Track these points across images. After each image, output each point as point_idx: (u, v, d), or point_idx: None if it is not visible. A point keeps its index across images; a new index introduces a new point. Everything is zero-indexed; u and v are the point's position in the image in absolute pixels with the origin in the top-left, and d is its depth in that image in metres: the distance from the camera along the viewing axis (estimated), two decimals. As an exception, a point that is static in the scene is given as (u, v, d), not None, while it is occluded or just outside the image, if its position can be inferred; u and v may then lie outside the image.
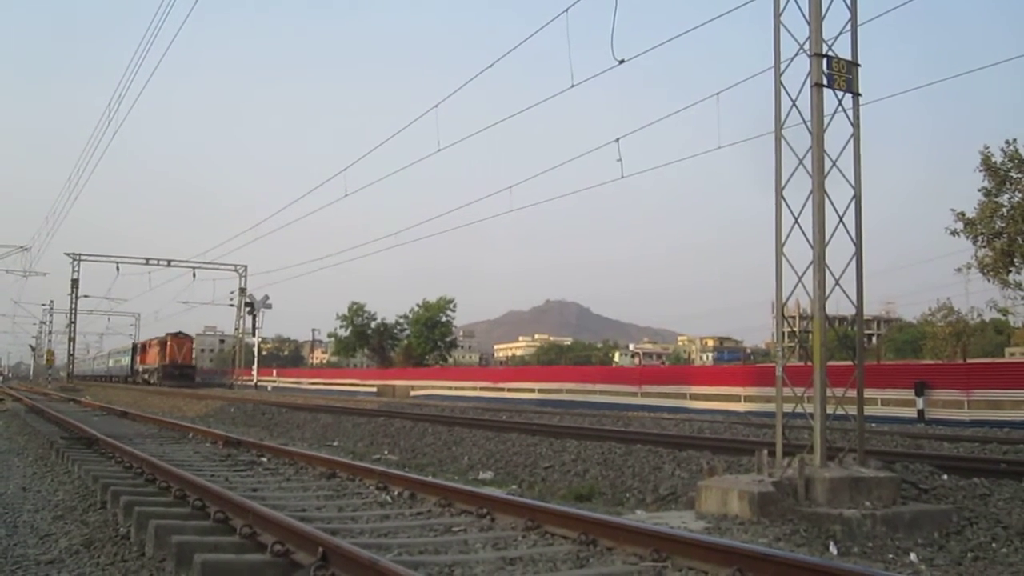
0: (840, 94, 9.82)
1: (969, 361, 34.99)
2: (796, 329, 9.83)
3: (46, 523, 8.44)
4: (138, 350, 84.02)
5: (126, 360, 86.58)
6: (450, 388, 51.56)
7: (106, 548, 7.13)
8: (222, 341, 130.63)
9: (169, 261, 68.01)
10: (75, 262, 69.46)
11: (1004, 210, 30.01)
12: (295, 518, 7.36)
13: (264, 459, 13.53)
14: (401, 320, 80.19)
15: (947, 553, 7.76)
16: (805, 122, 9.70)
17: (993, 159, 32.22)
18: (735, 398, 33.35)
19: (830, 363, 9.61)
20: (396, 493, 9.74)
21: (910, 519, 8.45)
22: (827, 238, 9.55)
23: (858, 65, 9.89)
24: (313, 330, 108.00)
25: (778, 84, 9.81)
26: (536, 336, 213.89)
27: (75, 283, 70.41)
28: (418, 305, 79.39)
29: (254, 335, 70.08)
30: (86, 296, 75.50)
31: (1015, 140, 33.29)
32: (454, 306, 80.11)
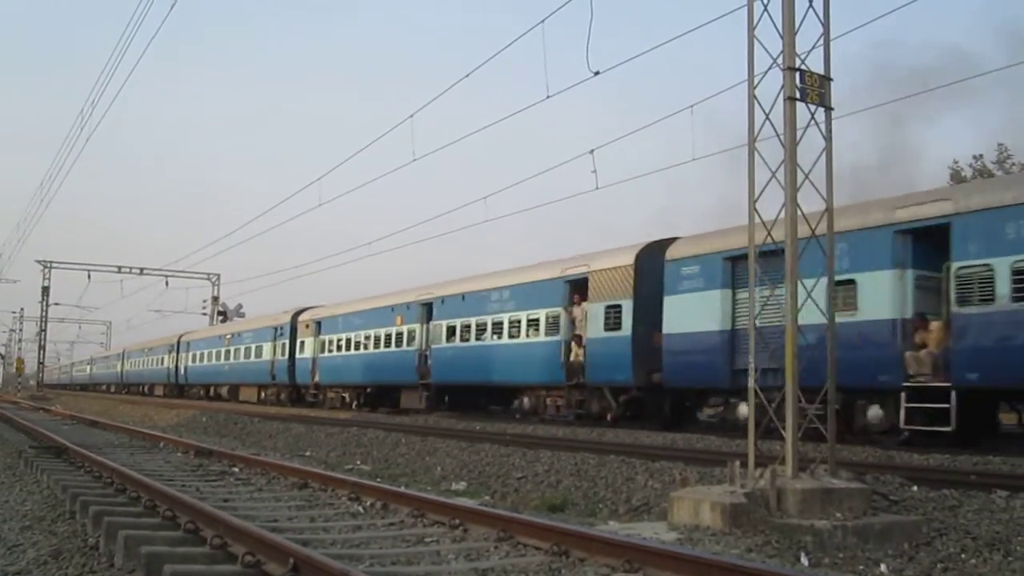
0: (813, 108, 9.91)
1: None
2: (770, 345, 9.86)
3: (14, 533, 8.33)
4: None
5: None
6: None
7: (75, 559, 7.06)
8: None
9: (142, 269, 67.46)
10: (46, 269, 68.74)
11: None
12: (266, 529, 7.33)
13: (236, 469, 13.44)
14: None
15: (917, 564, 7.82)
16: (778, 135, 9.78)
17: (963, 174, 32.63)
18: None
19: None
20: (368, 504, 9.71)
21: (880, 530, 8.51)
22: (800, 251, 9.62)
23: (830, 79, 9.99)
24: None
25: (752, 97, 9.88)
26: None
27: (46, 291, 69.67)
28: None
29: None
30: (57, 304, 74.65)
31: (982, 156, 33.74)
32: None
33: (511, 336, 24.94)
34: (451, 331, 27.87)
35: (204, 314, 71.89)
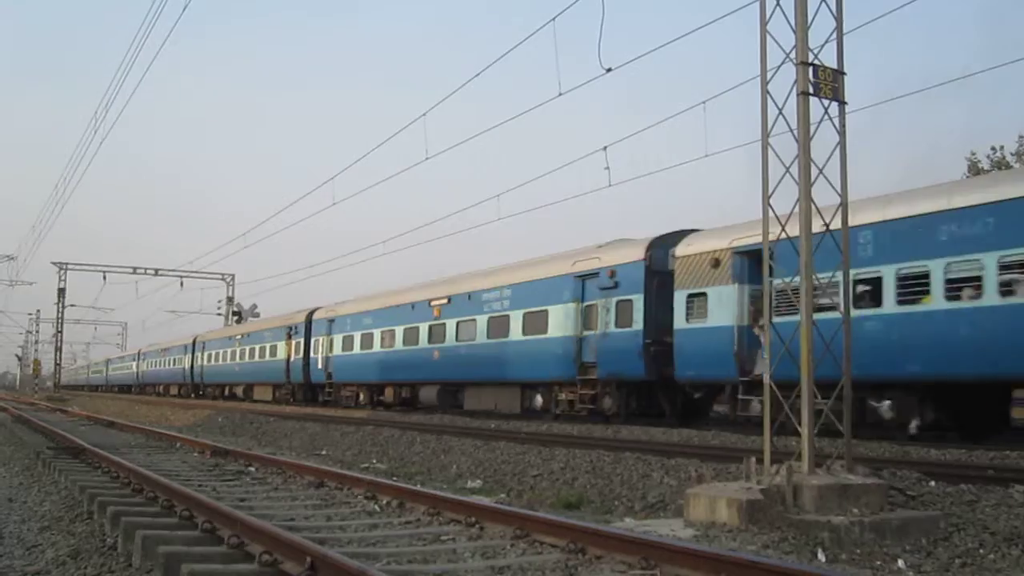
0: (826, 103, 9.87)
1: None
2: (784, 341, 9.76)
3: (32, 534, 8.39)
4: None
5: None
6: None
7: (93, 559, 7.10)
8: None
9: (156, 270, 67.73)
10: (62, 271, 69.08)
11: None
12: (283, 527, 7.35)
13: (252, 469, 13.49)
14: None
15: (935, 559, 7.78)
16: (791, 130, 9.74)
17: (980, 165, 32.42)
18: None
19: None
20: (385, 502, 9.74)
21: (898, 526, 8.47)
22: (814, 246, 9.60)
23: (844, 74, 9.94)
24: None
25: (764, 93, 9.85)
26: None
27: (61, 292, 69.97)
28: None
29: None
30: (72, 305, 74.88)
31: (1002, 147, 33.49)
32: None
33: None
34: None
35: (219, 314, 72.19)
